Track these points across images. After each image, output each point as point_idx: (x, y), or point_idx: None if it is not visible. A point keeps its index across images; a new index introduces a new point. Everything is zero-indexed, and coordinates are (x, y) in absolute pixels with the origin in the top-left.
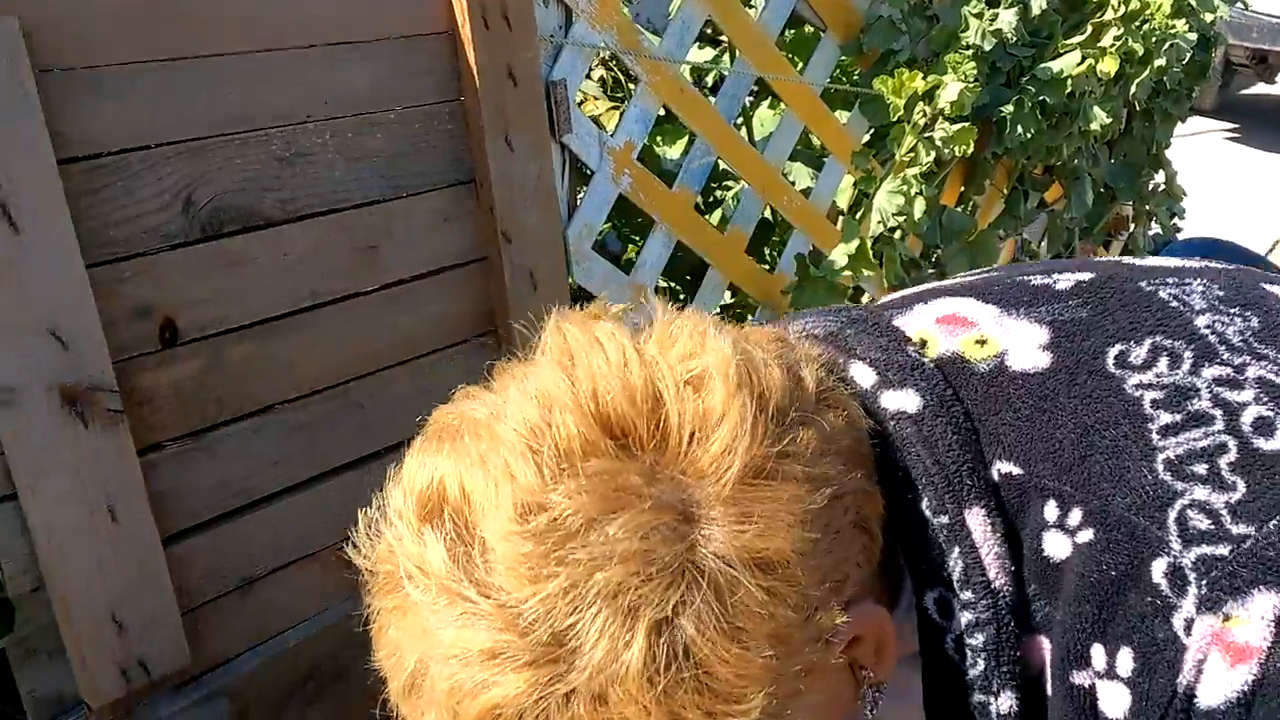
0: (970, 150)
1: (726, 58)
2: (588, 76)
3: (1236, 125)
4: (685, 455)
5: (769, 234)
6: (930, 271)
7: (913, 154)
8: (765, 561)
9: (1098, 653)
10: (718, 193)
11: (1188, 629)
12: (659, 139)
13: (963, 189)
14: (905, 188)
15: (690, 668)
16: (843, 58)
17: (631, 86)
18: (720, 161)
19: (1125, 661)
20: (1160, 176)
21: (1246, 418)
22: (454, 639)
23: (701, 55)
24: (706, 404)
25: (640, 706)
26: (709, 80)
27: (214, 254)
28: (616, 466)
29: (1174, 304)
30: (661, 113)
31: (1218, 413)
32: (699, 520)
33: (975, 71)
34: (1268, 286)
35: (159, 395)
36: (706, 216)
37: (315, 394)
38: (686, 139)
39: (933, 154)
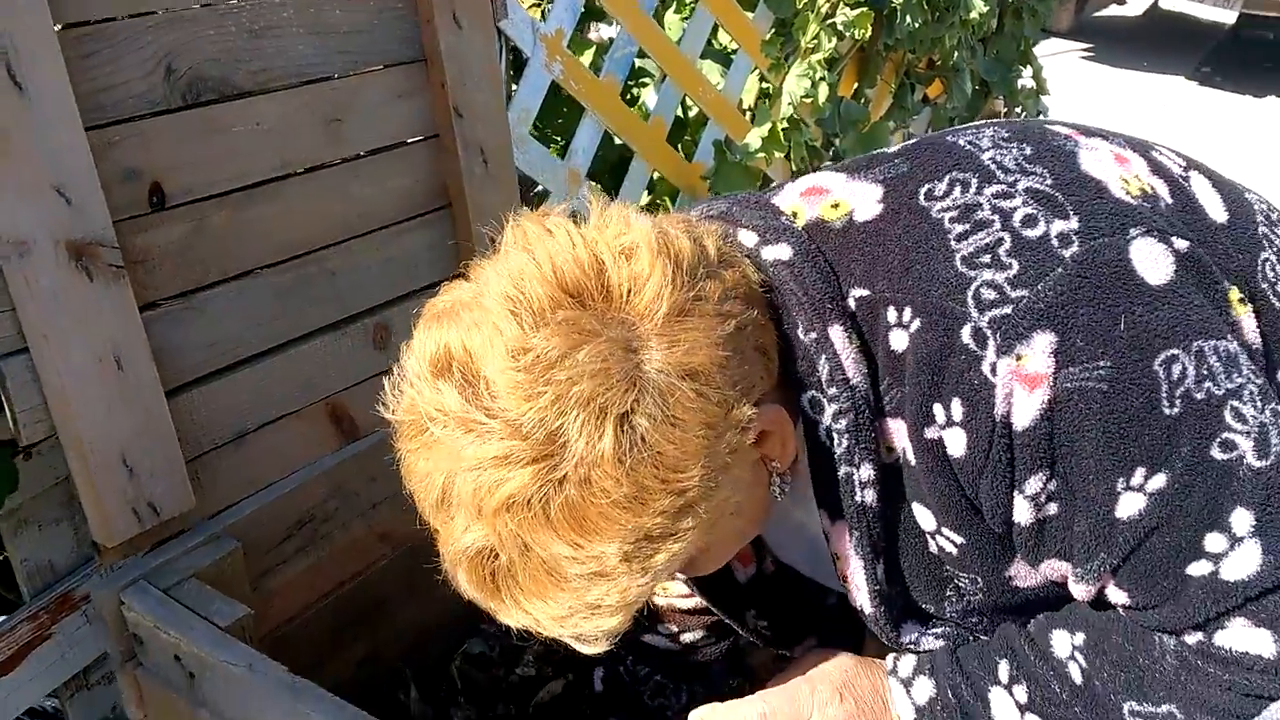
0: (868, 34)
1: None
2: None
3: (1091, 45)
4: (626, 305)
5: (681, 132)
6: (829, 162)
7: (816, 40)
8: (693, 371)
9: (938, 410)
10: (634, 90)
11: (993, 371)
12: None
13: (857, 84)
14: (811, 72)
15: (647, 449)
16: None
17: None
18: (638, 60)
19: (958, 409)
20: (1028, 74)
21: (1017, 217)
22: (473, 453)
23: None
24: (637, 268)
25: (614, 480)
26: None
27: (194, 121)
28: (577, 315)
29: (968, 147)
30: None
31: (996, 218)
32: (641, 348)
33: None
34: (1050, 127)
35: (151, 256)
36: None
37: (292, 260)
38: (593, 50)
39: (834, 40)
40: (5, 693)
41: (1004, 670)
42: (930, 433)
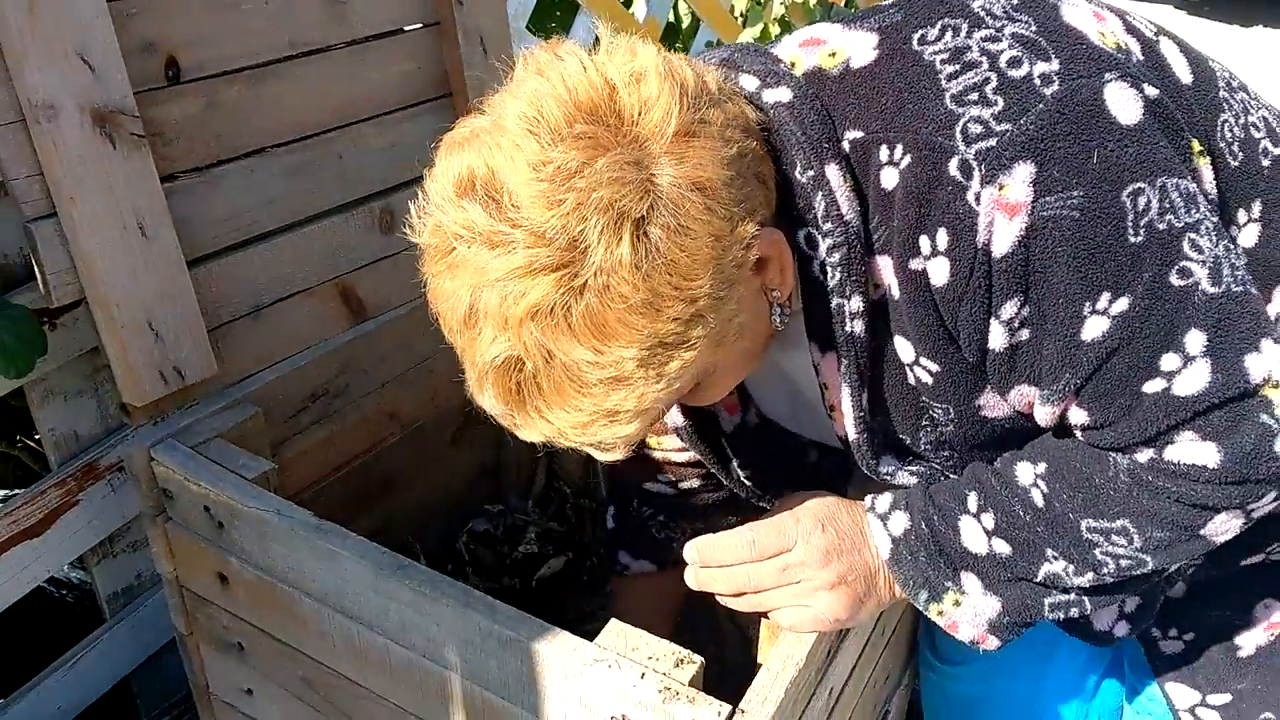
0: None
1: None
2: None
3: None
4: (637, 124)
5: (674, 38)
6: None
7: None
8: (700, 184)
9: (924, 241)
10: None
11: (977, 200)
12: None
13: None
14: None
15: (660, 256)
16: None
17: None
18: None
19: (942, 239)
20: None
21: (1003, 59)
22: (499, 265)
23: None
24: (646, 90)
25: (631, 285)
26: None
27: None
28: (593, 129)
29: None
30: None
31: (983, 59)
32: (652, 164)
33: None
34: None
35: (169, 128)
36: None
37: (301, 140)
38: None
39: None
40: (37, 554)
41: (973, 501)
42: (915, 264)
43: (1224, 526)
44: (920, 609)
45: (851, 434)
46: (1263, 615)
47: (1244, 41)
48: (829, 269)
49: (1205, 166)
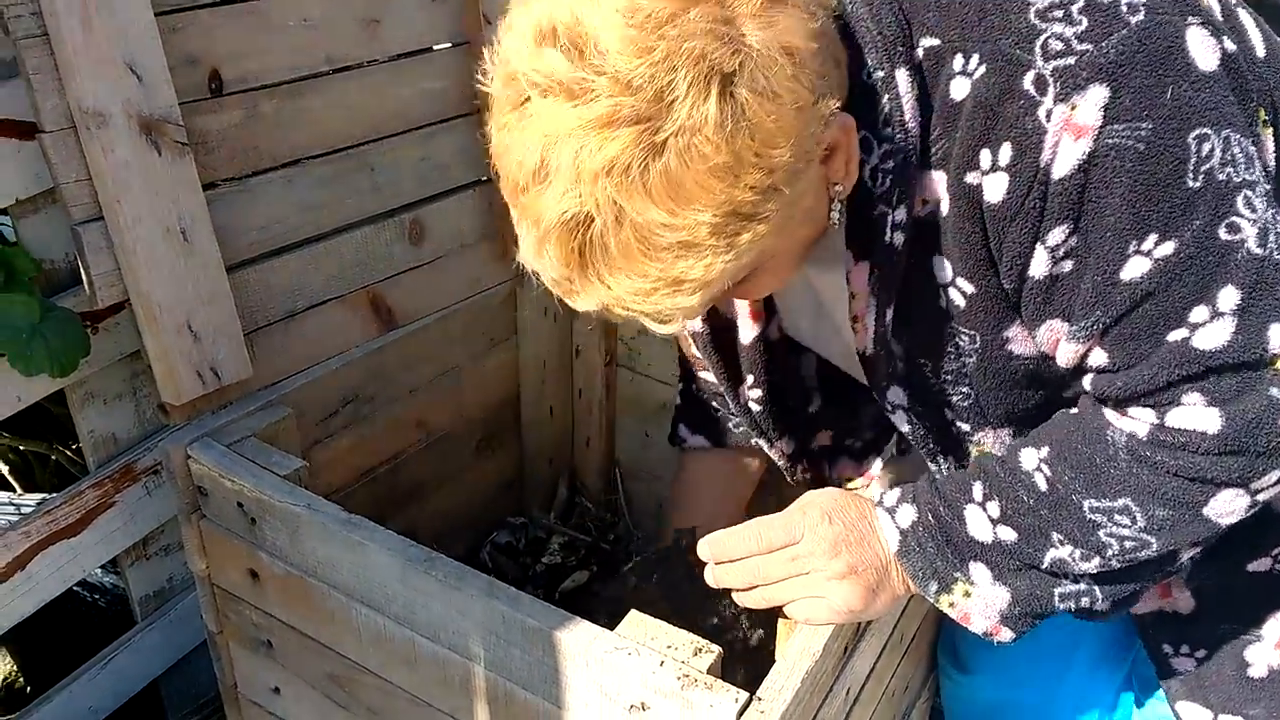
0: None
1: None
2: None
3: None
4: None
5: None
6: None
7: None
8: (789, 49)
9: (985, 155)
10: None
11: (1048, 117)
12: None
13: None
14: None
15: (745, 119)
16: None
17: None
18: None
19: (1005, 153)
20: None
21: None
22: (577, 116)
23: None
24: None
25: (714, 146)
26: None
27: (247, 13)
28: None
29: None
30: None
31: None
32: (742, 24)
33: None
34: None
35: (210, 139)
36: None
37: (335, 153)
38: None
39: None
40: (74, 552)
41: (978, 490)
42: (971, 178)
43: (1229, 506)
44: (931, 601)
45: (869, 348)
46: (1272, 632)
47: None
48: (880, 175)
49: (1269, 137)
